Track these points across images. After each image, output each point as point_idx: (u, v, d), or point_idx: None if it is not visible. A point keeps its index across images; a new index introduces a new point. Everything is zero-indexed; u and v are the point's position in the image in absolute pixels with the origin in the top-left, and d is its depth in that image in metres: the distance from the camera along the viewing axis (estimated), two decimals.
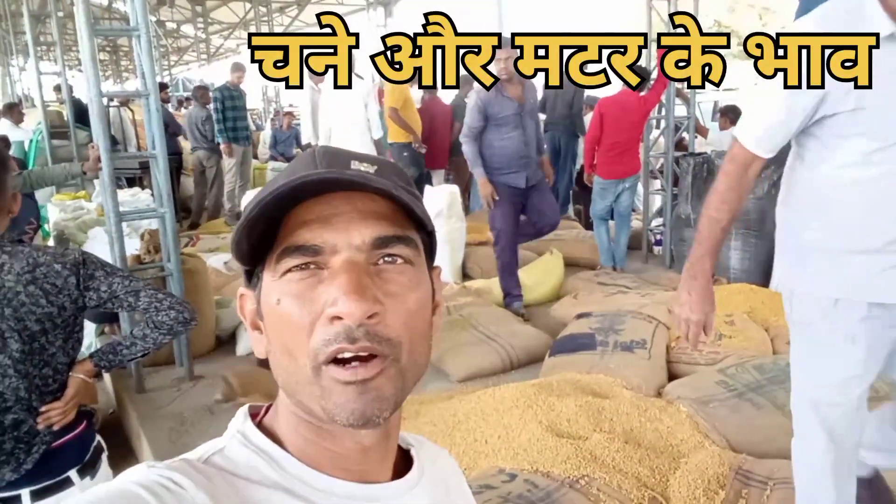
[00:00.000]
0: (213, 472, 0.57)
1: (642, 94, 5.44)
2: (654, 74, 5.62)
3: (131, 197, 6.22)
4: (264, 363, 0.65)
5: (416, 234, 0.61)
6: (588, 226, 6.86)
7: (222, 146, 7.80)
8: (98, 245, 4.81)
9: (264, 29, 14.01)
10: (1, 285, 1.53)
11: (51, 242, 5.90)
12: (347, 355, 0.54)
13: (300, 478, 0.59)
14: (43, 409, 1.60)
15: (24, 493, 1.58)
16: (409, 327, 0.58)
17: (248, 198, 7.46)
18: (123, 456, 3.12)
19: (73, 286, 1.60)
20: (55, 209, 6.38)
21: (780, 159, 5.07)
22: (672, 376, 3.26)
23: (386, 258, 0.58)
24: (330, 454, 0.61)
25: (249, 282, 0.64)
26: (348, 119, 5.90)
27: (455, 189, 5.51)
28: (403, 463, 0.69)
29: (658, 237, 6.42)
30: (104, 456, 1.76)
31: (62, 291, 1.58)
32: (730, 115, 6.92)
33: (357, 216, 0.57)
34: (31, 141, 8.21)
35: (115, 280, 1.66)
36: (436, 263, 0.67)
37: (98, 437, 1.77)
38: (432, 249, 0.66)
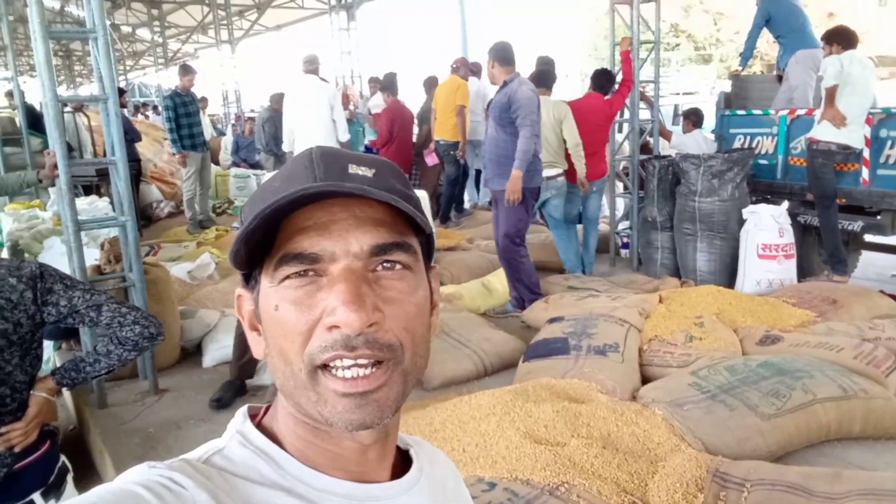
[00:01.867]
0: (213, 472, 0.57)
1: (607, 97, 5.48)
2: (619, 78, 5.68)
3: (88, 205, 6.02)
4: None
5: (414, 238, 0.61)
6: None
7: (176, 157, 7.62)
8: (54, 255, 4.64)
9: (223, 33, 13.80)
10: None
11: (4, 254, 5.68)
12: (347, 363, 0.54)
13: (299, 478, 0.60)
14: (2, 430, 1.52)
15: None
16: (409, 331, 0.58)
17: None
18: (86, 475, 2.99)
19: (29, 301, 1.52)
20: (8, 219, 6.15)
21: (742, 162, 5.13)
22: (645, 379, 3.27)
23: (384, 265, 0.58)
24: (329, 454, 0.61)
25: (247, 283, 0.64)
26: (314, 120, 5.86)
27: (424, 194, 5.48)
28: (402, 463, 0.70)
29: (625, 240, 6.48)
30: (69, 477, 1.69)
31: (18, 307, 1.50)
32: (692, 118, 7.03)
33: (355, 223, 0.57)
34: None
35: (76, 294, 1.58)
36: None
37: (62, 458, 1.69)
38: (430, 251, 0.66)
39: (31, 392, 1.59)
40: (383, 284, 0.57)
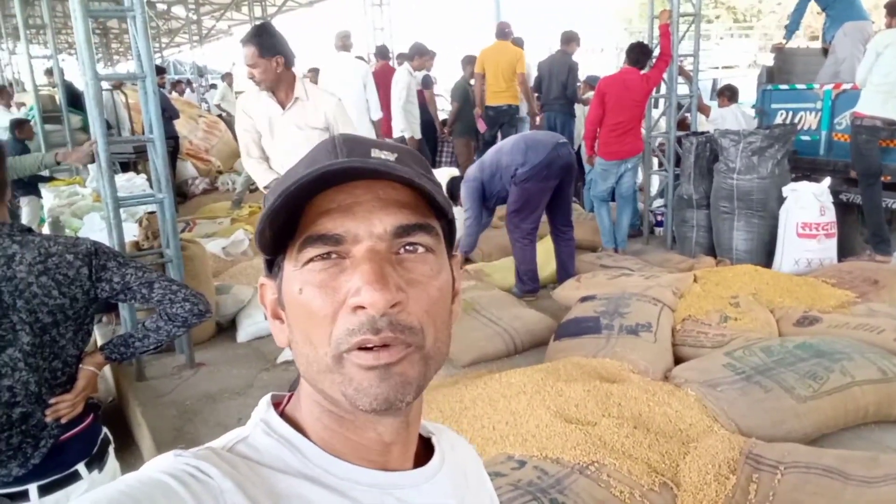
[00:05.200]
0: (238, 461, 0.58)
1: (644, 71, 5.37)
2: (657, 52, 5.55)
3: (126, 182, 6.13)
4: None
5: (436, 221, 0.61)
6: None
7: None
8: (93, 231, 4.76)
9: (257, 10, 13.83)
10: (13, 276, 1.48)
11: (46, 229, 5.83)
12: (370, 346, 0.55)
13: (323, 466, 0.60)
14: (52, 401, 1.57)
15: (32, 488, 1.55)
16: (431, 315, 0.58)
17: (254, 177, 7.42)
18: (125, 446, 3.09)
19: (85, 277, 1.55)
20: (49, 195, 6.31)
21: (784, 139, 5.00)
22: (678, 359, 3.24)
23: (407, 247, 0.58)
24: (352, 443, 0.61)
25: (270, 271, 0.63)
26: (347, 99, 5.85)
27: (455, 171, 5.46)
28: (424, 451, 0.70)
29: (659, 218, 6.38)
30: (111, 448, 1.73)
31: (74, 282, 1.54)
32: (726, 94, 6.88)
33: (378, 205, 0.57)
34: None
35: (129, 271, 1.61)
36: None
37: (104, 430, 1.74)
38: (452, 237, 0.65)
39: (80, 366, 1.64)
40: (406, 267, 0.57)
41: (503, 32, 7.12)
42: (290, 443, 0.61)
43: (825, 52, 6.15)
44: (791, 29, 6.48)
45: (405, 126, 7.05)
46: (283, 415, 0.64)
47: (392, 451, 0.63)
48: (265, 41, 2.95)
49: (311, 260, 0.57)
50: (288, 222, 0.58)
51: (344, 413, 0.60)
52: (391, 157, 0.59)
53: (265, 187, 3.17)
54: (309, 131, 3.06)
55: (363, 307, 0.54)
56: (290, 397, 0.66)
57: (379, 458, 0.62)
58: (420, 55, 7.59)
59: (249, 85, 3.18)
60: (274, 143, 3.14)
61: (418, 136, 7.23)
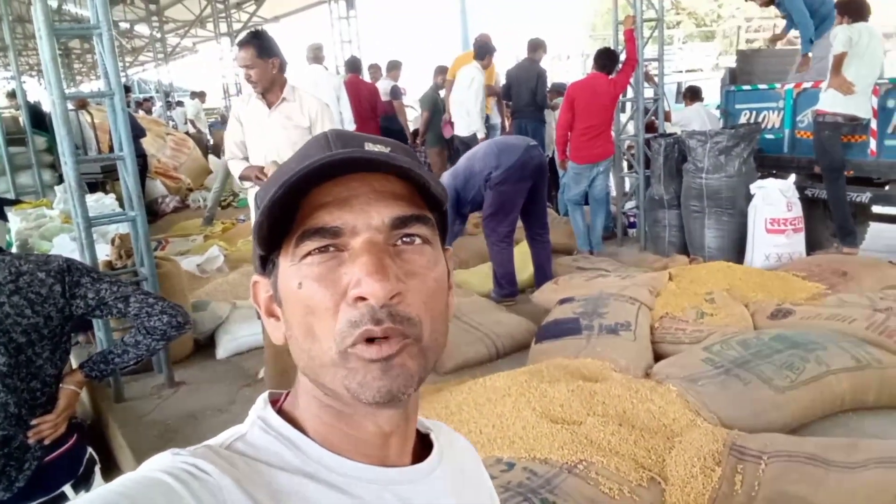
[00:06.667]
0: (237, 458, 0.58)
1: (611, 76, 5.45)
2: (623, 57, 5.65)
3: (95, 203, 6.04)
4: None
5: (430, 213, 0.61)
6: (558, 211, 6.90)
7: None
8: (63, 253, 4.66)
9: (222, 26, 13.75)
10: None
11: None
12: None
13: (321, 462, 0.60)
14: (34, 422, 1.54)
15: None
16: (429, 307, 0.58)
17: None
18: (107, 468, 3.01)
19: (58, 294, 1.53)
20: (16, 219, 6.18)
21: (749, 137, 5.08)
22: (657, 356, 3.28)
23: (404, 238, 0.58)
24: (351, 438, 0.61)
25: (264, 269, 0.63)
26: None
27: None
28: (422, 447, 0.70)
29: (632, 219, 6.47)
30: (97, 468, 1.71)
31: (47, 300, 1.51)
32: (688, 94, 7.03)
33: (375, 197, 0.58)
34: None
35: (103, 286, 1.59)
36: None
37: (90, 450, 1.71)
38: (445, 230, 0.66)
39: (60, 385, 1.61)
40: (404, 258, 0.58)
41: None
42: (287, 439, 0.61)
43: (775, 40, 6.24)
44: (810, 40, 6.15)
45: (480, 126, 6.82)
46: (280, 412, 0.64)
47: (391, 443, 0.63)
48: (263, 43, 3.09)
49: (308, 254, 0.57)
50: (283, 219, 0.58)
51: (343, 406, 0.60)
52: (385, 150, 0.59)
53: (240, 177, 3.29)
54: (292, 130, 3.16)
55: (364, 298, 0.54)
56: (287, 394, 0.66)
57: (378, 452, 0.62)
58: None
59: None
60: (259, 143, 3.23)
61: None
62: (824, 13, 5.42)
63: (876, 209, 5.47)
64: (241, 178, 3.28)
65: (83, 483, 1.63)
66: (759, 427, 2.54)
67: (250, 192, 3.64)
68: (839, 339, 2.94)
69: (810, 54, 5.40)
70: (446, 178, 4.67)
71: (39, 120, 7.97)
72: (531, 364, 3.22)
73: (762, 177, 5.33)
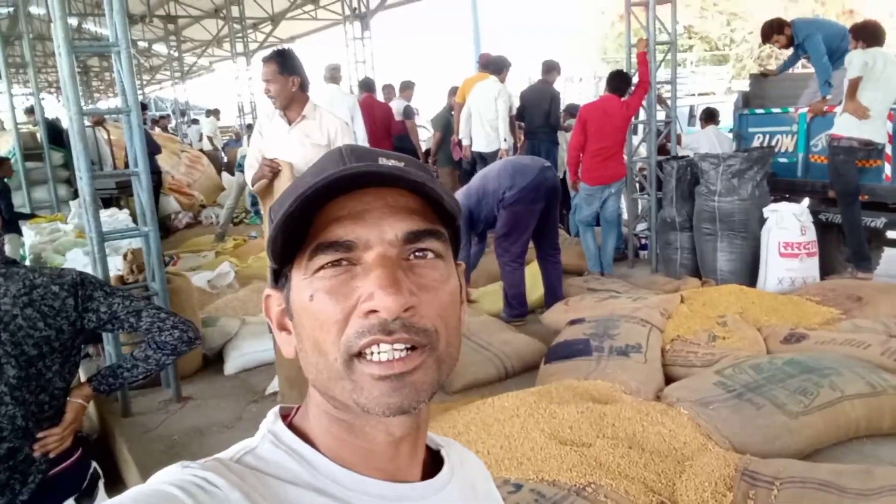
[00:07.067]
0: (246, 472, 0.57)
1: (624, 98, 5.46)
2: (636, 79, 5.66)
3: (109, 217, 6.09)
4: None
5: (443, 228, 0.61)
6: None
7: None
8: (77, 267, 4.70)
9: (238, 46, 13.94)
10: None
11: None
12: (384, 348, 0.54)
13: (332, 477, 0.59)
14: (40, 435, 1.53)
15: None
16: (444, 319, 0.58)
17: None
18: (112, 483, 3.01)
19: (71, 308, 1.53)
20: (31, 233, 6.24)
21: (762, 161, 5.06)
22: (668, 379, 3.24)
23: (417, 253, 0.58)
24: (362, 453, 0.61)
25: (276, 283, 0.63)
26: None
27: None
28: (433, 463, 0.69)
29: (643, 241, 6.44)
30: (101, 483, 1.70)
31: (60, 314, 1.52)
32: (703, 116, 7.05)
33: (389, 211, 0.58)
34: None
35: (115, 300, 1.60)
36: None
37: (94, 464, 1.70)
38: (457, 245, 0.66)
39: (68, 398, 1.61)
40: (417, 272, 0.58)
41: (486, 64, 7.16)
42: (297, 453, 0.61)
43: (764, 75, 6.28)
44: (780, 69, 6.40)
45: (506, 140, 6.75)
46: (291, 426, 0.63)
47: (401, 452, 0.62)
48: (286, 61, 3.18)
49: (322, 267, 0.57)
50: (297, 232, 0.58)
51: (354, 418, 0.59)
52: (399, 164, 0.59)
53: (253, 180, 3.32)
54: (310, 147, 3.20)
55: (376, 311, 0.54)
56: (298, 409, 0.66)
57: (389, 465, 0.62)
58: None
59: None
60: (276, 158, 3.27)
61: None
62: (845, 47, 5.37)
63: (890, 234, 5.42)
64: (254, 180, 3.30)
65: (86, 498, 1.62)
66: (772, 452, 2.50)
67: (265, 203, 3.66)
68: (854, 365, 2.90)
69: (829, 97, 5.28)
70: (459, 196, 4.67)
71: (57, 136, 8.08)
72: (540, 385, 3.19)
73: (775, 200, 5.29)
